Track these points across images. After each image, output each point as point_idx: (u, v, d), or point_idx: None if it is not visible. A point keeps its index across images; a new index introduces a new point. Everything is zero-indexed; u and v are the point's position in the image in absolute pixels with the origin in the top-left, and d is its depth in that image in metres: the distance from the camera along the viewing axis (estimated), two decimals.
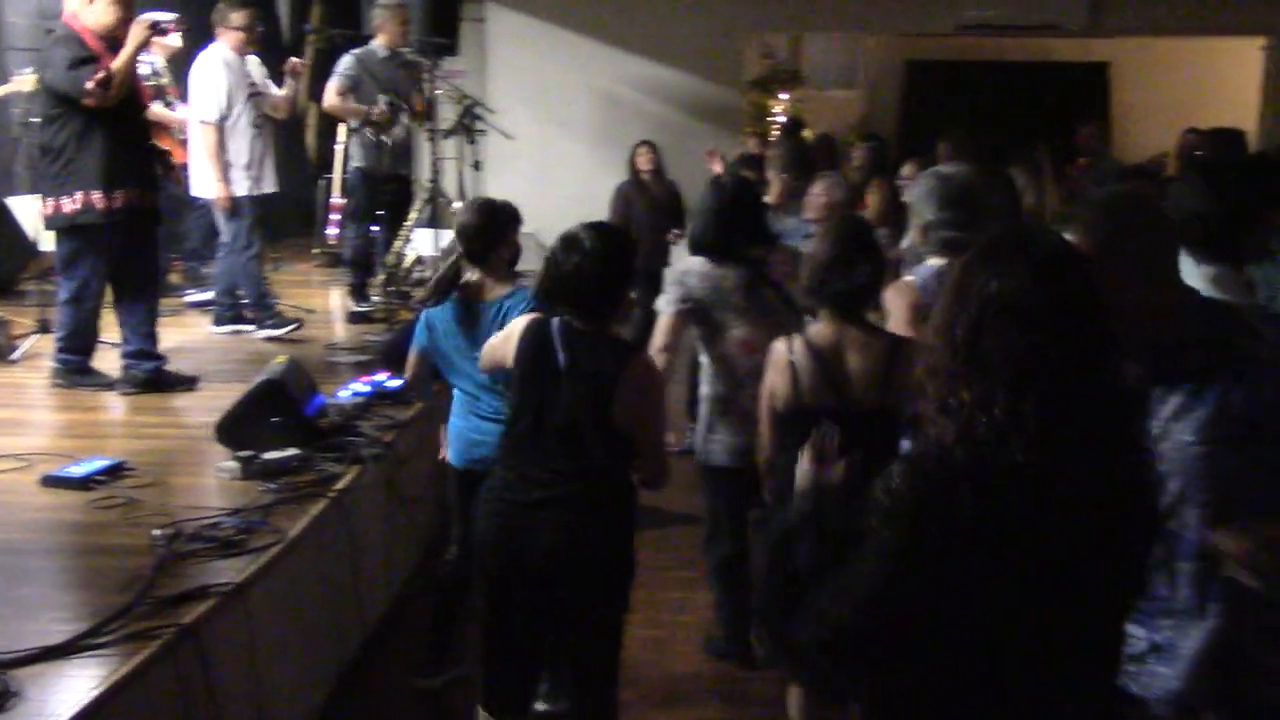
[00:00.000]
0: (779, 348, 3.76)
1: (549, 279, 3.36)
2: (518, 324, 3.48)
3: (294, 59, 7.44)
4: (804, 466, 2.18)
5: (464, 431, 4.16)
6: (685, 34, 11.32)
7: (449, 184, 8.33)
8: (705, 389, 4.61)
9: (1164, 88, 13.85)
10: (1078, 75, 14.61)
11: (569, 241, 3.33)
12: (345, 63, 7.27)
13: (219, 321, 7.17)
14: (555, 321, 3.37)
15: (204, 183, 6.94)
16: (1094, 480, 1.80)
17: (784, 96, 13.24)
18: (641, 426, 3.34)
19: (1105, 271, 1.99)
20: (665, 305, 4.54)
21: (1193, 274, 2.99)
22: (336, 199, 9.65)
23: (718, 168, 6.74)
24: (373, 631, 4.70)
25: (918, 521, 1.77)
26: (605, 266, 3.31)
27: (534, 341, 3.37)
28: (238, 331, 7.09)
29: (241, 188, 6.88)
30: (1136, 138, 12.08)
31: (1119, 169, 7.84)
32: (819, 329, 3.75)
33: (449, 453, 4.26)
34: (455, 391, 4.21)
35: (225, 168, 6.80)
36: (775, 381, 3.77)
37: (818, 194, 5.80)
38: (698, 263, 4.53)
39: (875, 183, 7.84)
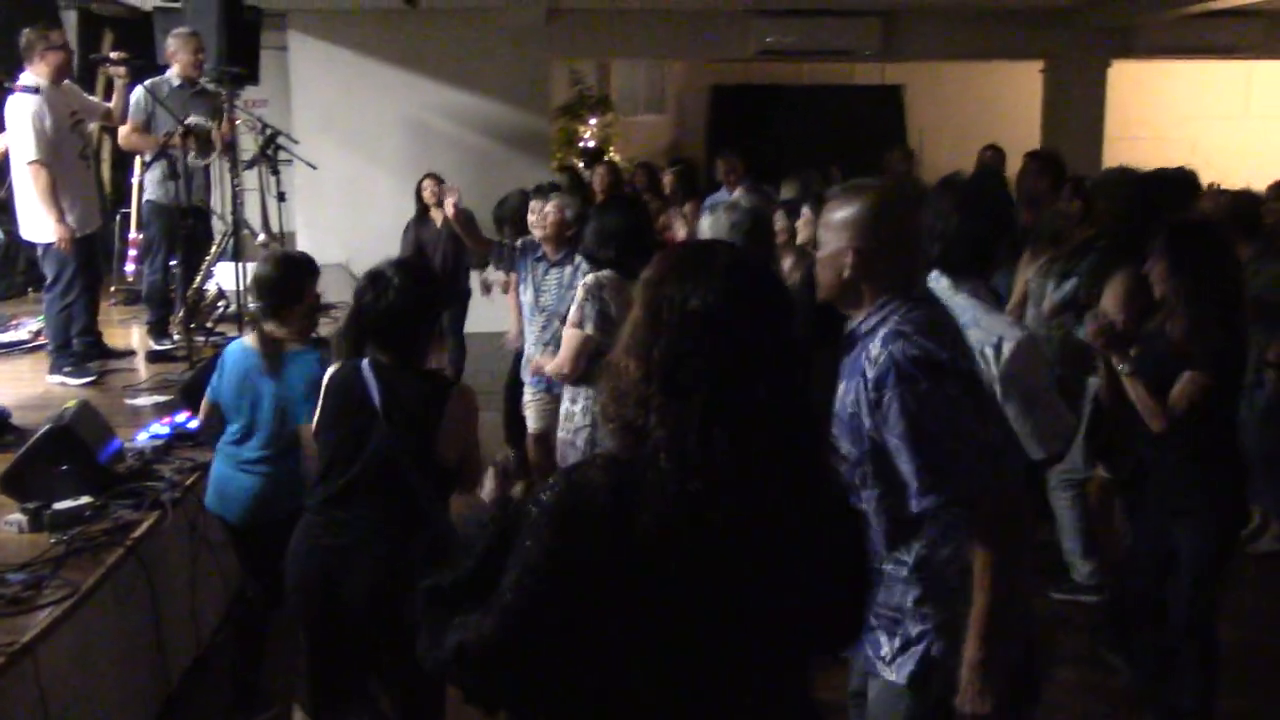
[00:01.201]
0: None
1: (357, 318, 3.33)
2: (330, 370, 3.45)
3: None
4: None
5: (220, 481, 4.12)
6: (494, 62, 11.29)
7: (252, 216, 8.10)
8: (586, 405, 4.51)
9: (955, 109, 14.45)
10: (875, 98, 15.12)
11: (375, 279, 3.31)
12: (136, 95, 6.98)
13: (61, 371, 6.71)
14: (365, 363, 3.32)
15: (35, 226, 6.43)
16: (780, 509, 1.76)
17: (593, 122, 13.31)
18: (464, 454, 3.35)
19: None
20: (580, 324, 4.47)
21: (944, 288, 3.16)
22: (134, 234, 9.28)
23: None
24: (178, 684, 4.50)
25: (554, 534, 1.73)
26: (414, 303, 3.30)
27: (345, 384, 3.32)
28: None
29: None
30: (932, 157, 12.54)
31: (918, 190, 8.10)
32: None
33: (207, 499, 4.19)
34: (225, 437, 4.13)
35: (59, 209, 6.30)
36: None
37: (547, 212, 5.74)
38: (610, 276, 4.50)
39: (689, 205, 7.98)
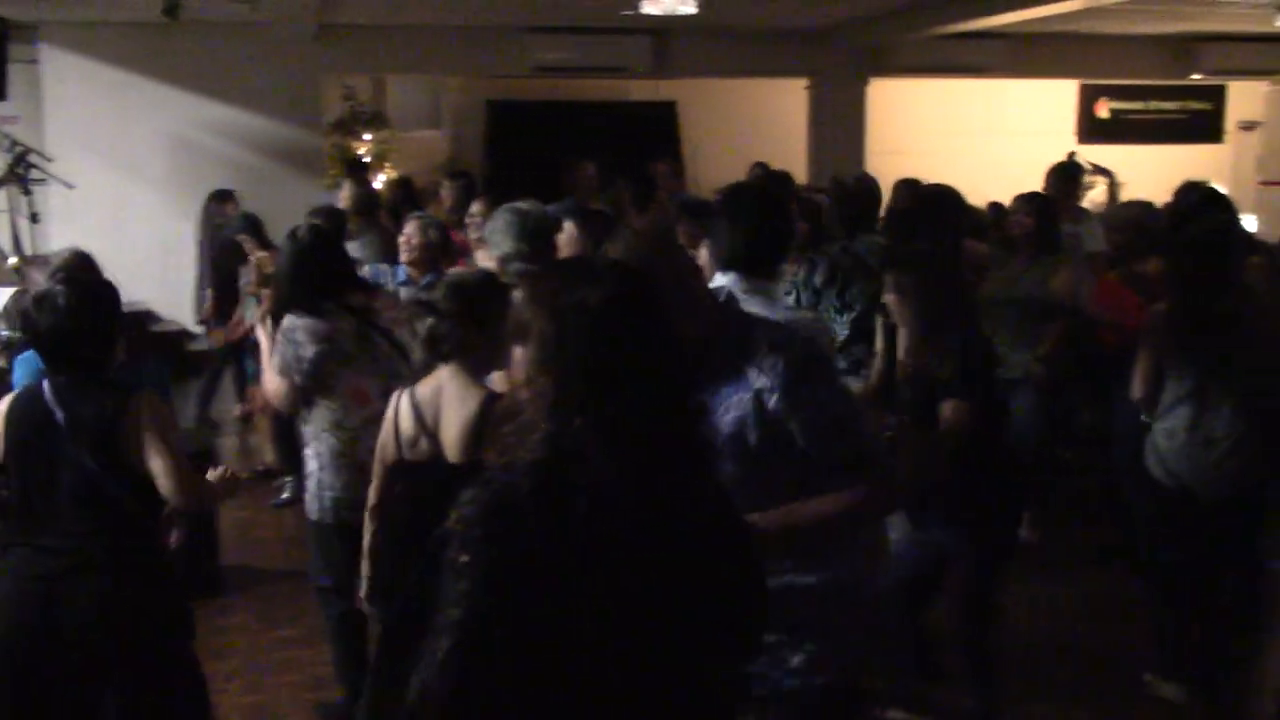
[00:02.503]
0: (392, 400, 3.68)
1: (31, 340, 3.31)
2: (6, 400, 3.38)
3: None
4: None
5: None
6: (262, 77, 10.99)
7: (2, 238, 7.68)
8: (314, 445, 4.42)
9: (727, 125, 14.83)
10: (650, 114, 15.36)
11: (40, 300, 3.28)
12: None
13: None
14: (46, 383, 3.28)
15: None
16: (675, 501, 1.85)
17: (367, 138, 13.11)
18: (155, 459, 3.26)
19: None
20: (275, 369, 4.35)
21: (734, 284, 3.32)
22: None
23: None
24: None
25: (490, 542, 1.76)
26: (83, 318, 3.27)
27: (27, 407, 3.26)
28: None
29: None
30: (706, 171, 12.82)
31: (683, 203, 8.29)
32: (426, 381, 3.62)
33: None
34: None
35: None
36: (385, 433, 3.68)
37: (409, 235, 5.77)
38: (301, 321, 4.34)
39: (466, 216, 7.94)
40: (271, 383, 4.42)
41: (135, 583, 3.24)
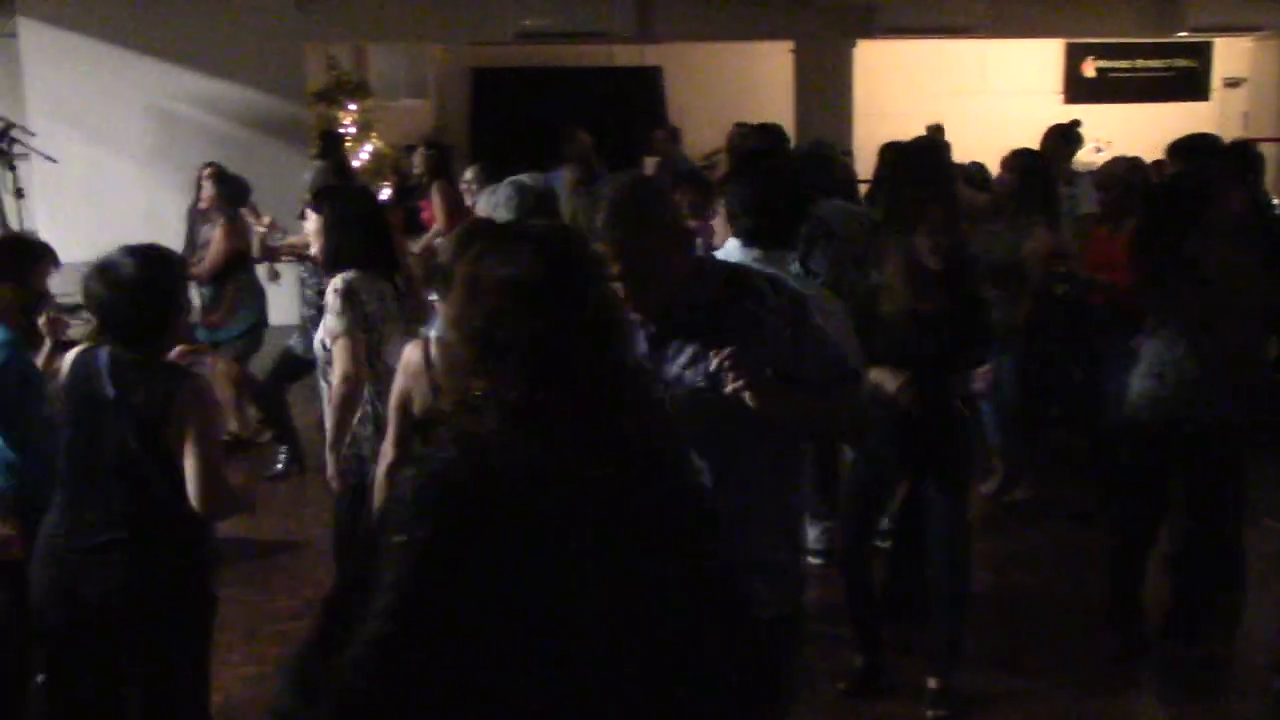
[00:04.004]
0: (413, 353, 3.60)
1: (91, 310, 3.21)
2: (65, 358, 3.31)
3: None
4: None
5: None
6: (243, 46, 10.93)
7: None
8: (365, 408, 4.31)
9: (712, 89, 14.80)
10: (635, 79, 15.34)
11: (104, 270, 3.17)
12: None
13: None
14: (102, 352, 3.20)
15: None
16: (619, 469, 1.81)
17: (352, 108, 13.06)
18: (190, 457, 3.18)
19: (631, 249, 2.40)
20: (342, 328, 4.25)
21: (744, 259, 3.28)
22: None
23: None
24: None
25: (426, 521, 1.71)
26: (146, 292, 3.17)
27: (80, 375, 3.21)
28: None
29: None
30: (692, 137, 12.82)
31: (679, 171, 8.32)
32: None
33: None
34: None
35: None
36: (410, 387, 3.59)
37: None
38: (358, 277, 4.31)
39: (436, 185, 8.01)
40: (342, 346, 4.26)
41: (162, 564, 3.20)
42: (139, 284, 3.15)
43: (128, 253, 3.20)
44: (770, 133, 7.59)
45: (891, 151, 6.49)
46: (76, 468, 3.22)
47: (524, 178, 4.67)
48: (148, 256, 3.23)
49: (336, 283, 4.31)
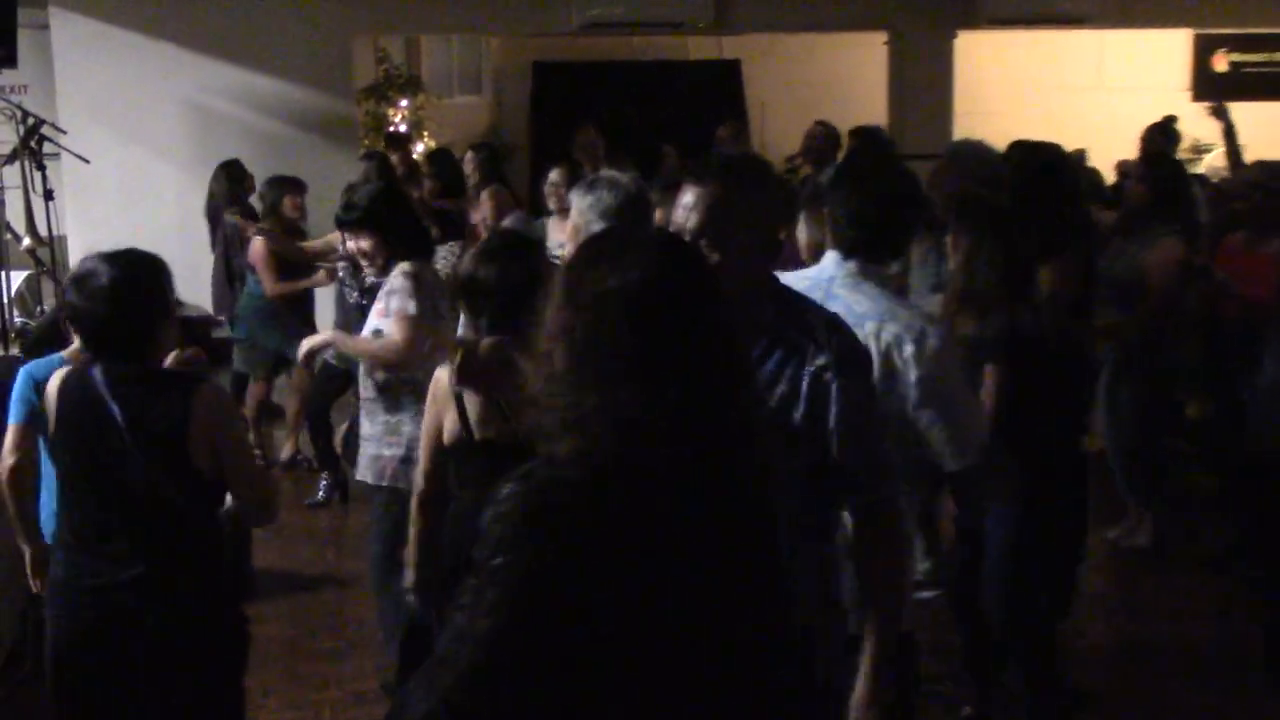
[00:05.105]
0: (443, 377, 3.67)
1: (72, 323, 3.24)
2: (50, 383, 3.30)
3: None
4: None
5: None
6: (286, 38, 11.09)
7: (15, 218, 7.81)
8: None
9: (796, 84, 14.78)
10: (711, 73, 15.36)
11: (81, 279, 3.19)
12: None
13: None
14: (96, 371, 3.20)
15: None
16: (727, 486, 1.83)
17: (403, 104, 13.21)
18: (226, 457, 3.23)
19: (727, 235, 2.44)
20: (413, 308, 4.47)
21: (839, 273, 3.23)
22: None
23: None
24: None
25: (534, 543, 1.74)
26: (129, 299, 3.18)
27: (78, 399, 3.19)
28: None
29: None
30: (774, 135, 12.81)
31: None
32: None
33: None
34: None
35: None
36: (441, 413, 3.67)
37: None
38: (420, 266, 4.65)
39: (488, 191, 8.06)
40: (408, 325, 4.48)
41: (197, 599, 3.23)
42: (120, 291, 3.16)
43: (107, 259, 3.21)
44: (871, 137, 7.54)
45: (1020, 151, 6.30)
46: (84, 500, 3.22)
47: (621, 176, 4.65)
48: (129, 261, 3.25)
49: (405, 266, 4.58)
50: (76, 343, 3.77)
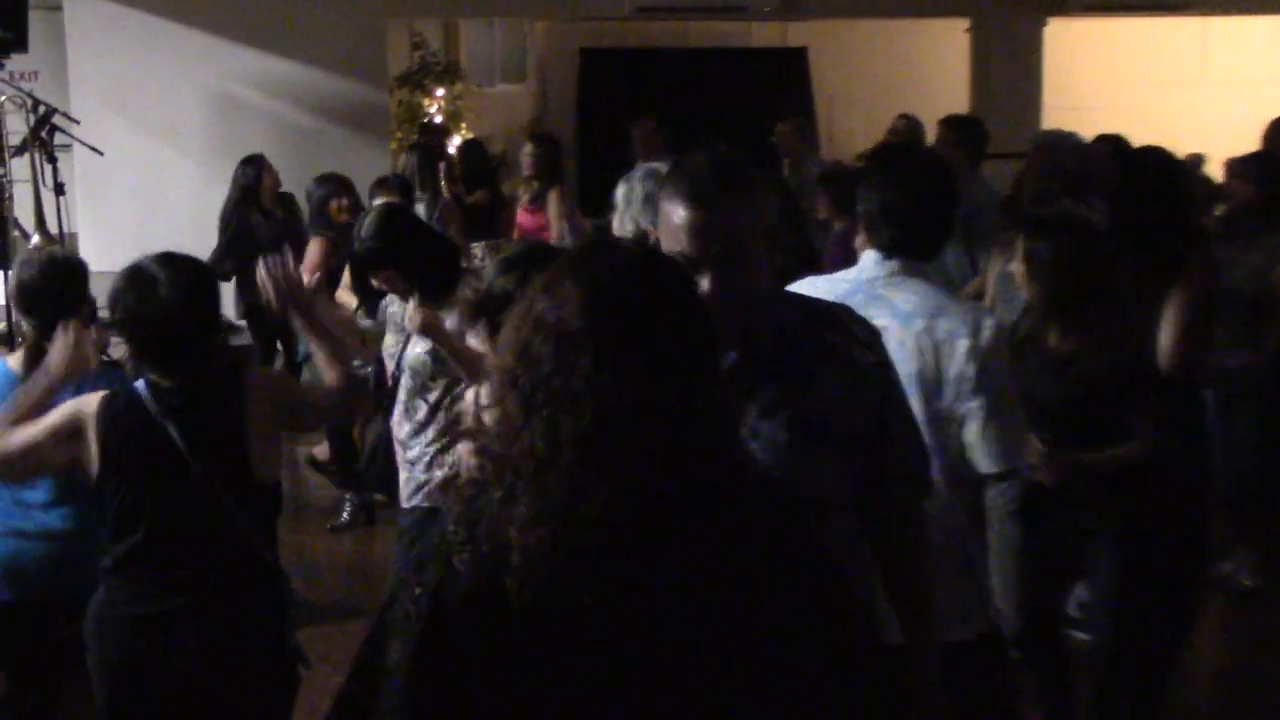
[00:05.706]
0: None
1: (126, 331, 3.26)
2: (83, 407, 3.27)
3: None
4: None
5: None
6: (314, 22, 11.08)
7: (24, 213, 7.85)
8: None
9: (867, 74, 14.69)
10: (774, 62, 15.30)
11: (139, 280, 3.21)
12: None
13: None
14: (141, 388, 3.23)
15: None
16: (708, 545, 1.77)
17: (440, 94, 13.21)
18: (301, 411, 3.57)
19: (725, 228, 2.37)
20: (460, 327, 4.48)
21: (880, 273, 3.26)
22: None
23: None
24: None
25: (426, 645, 1.80)
26: (193, 305, 3.23)
27: (129, 421, 3.20)
28: None
29: None
30: (843, 127, 12.74)
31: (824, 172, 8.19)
32: None
33: None
34: None
35: None
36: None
37: None
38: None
39: (555, 192, 7.98)
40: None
41: (255, 627, 3.28)
42: (186, 297, 3.20)
43: (165, 262, 3.25)
44: (966, 128, 7.43)
45: (1105, 146, 6.14)
46: (135, 524, 3.22)
47: (661, 166, 4.62)
48: (191, 266, 3.33)
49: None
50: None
